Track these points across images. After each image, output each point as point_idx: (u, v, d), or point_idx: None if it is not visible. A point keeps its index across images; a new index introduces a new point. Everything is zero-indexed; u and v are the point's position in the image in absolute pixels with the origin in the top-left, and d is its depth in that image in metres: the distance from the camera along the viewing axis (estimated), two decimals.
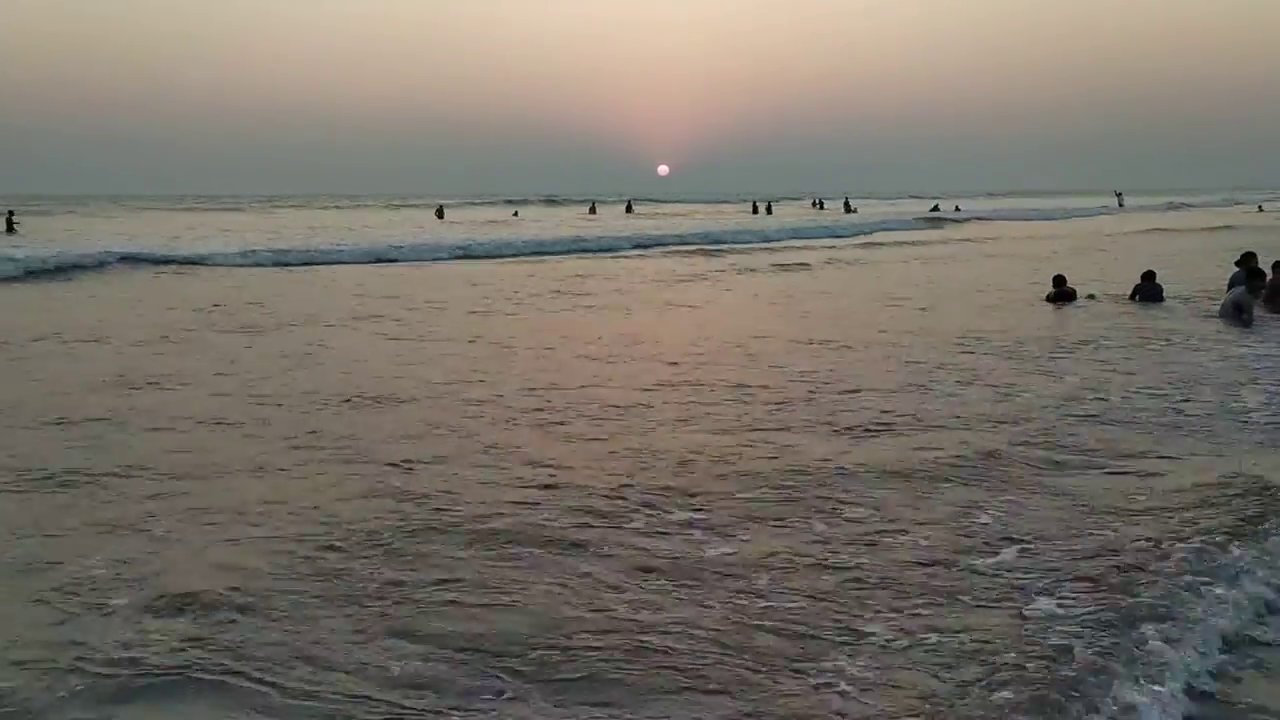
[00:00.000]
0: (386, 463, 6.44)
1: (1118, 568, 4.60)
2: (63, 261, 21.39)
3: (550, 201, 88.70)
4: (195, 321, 13.66)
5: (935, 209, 65.52)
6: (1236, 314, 12.97)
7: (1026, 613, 4.15)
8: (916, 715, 3.40)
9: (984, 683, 3.58)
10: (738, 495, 5.73)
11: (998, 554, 4.81)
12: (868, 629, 4.03)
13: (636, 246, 32.09)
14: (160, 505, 5.63)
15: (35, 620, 4.18)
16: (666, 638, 3.95)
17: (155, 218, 57.03)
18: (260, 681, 3.64)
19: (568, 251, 30.09)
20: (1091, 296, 15.30)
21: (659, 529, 5.20)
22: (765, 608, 4.22)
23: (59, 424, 7.52)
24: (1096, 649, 3.77)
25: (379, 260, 25.98)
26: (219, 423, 7.60)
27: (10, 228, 38.36)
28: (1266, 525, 5.09)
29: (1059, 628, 4.00)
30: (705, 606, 4.24)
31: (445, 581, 4.52)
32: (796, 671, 3.70)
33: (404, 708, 3.48)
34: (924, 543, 4.97)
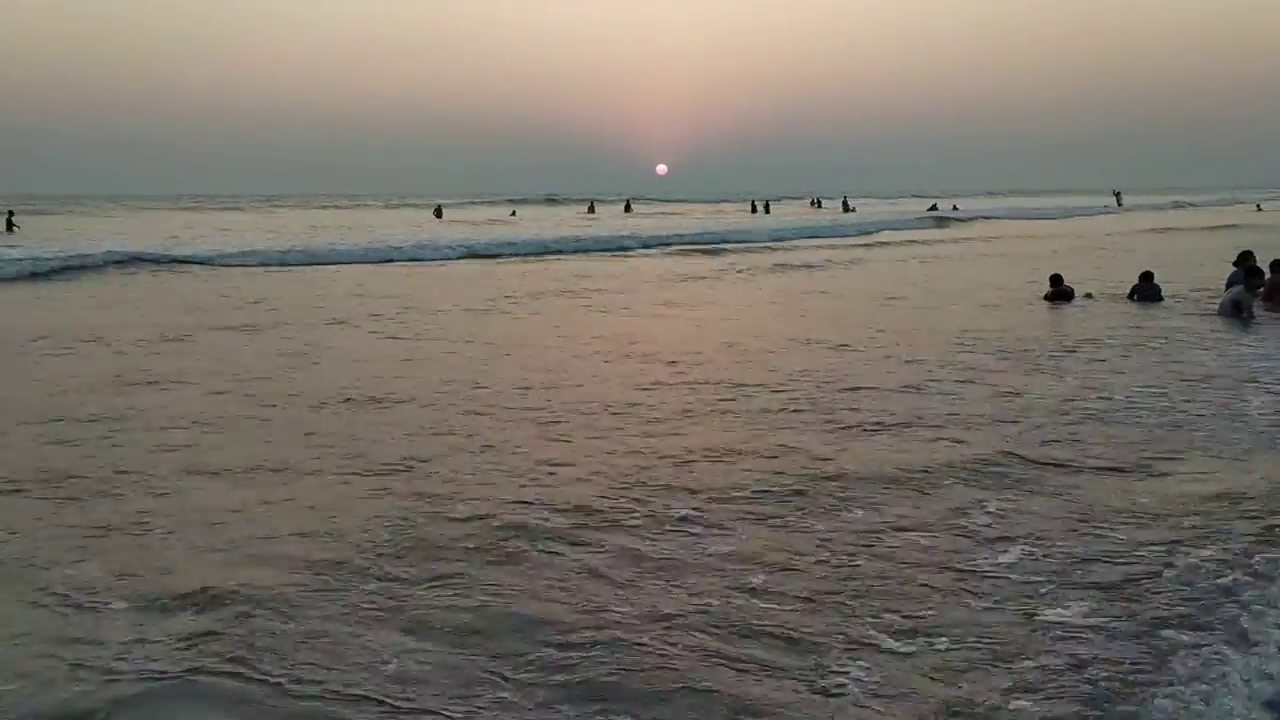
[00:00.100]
0: (384, 463, 6.44)
1: (1127, 572, 4.60)
2: (63, 262, 21.36)
3: (550, 201, 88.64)
4: (195, 322, 13.65)
5: (933, 208, 65.49)
6: (1235, 312, 13.00)
7: (1035, 615, 4.16)
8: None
9: (997, 690, 3.58)
10: (737, 494, 5.74)
11: (1000, 555, 4.81)
12: (870, 631, 4.03)
13: (637, 246, 31.99)
14: (159, 505, 5.63)
15: (35, 622, 4.18)
16: (666, 638, 3.95)
17: (154, 217, 57.00)
18: (263, 683, 3.65)
19: (564, 252, 30.02)
20: (1089, 296, 15.30)
21: (658, 528, 5.19)
22: (765, 608, 4.22)
23: (58, 422, 7.52)
24: (1118, 656, 3.78)
25: (380, 260, 25.93)
26: (215, 423, 7.60)
27: (10, 227, 38.38)
28: None
29: (1069, 633, 4.01)
30: (705, 606, 4.23)
31: (444, 580, 4.52)
32: (800, 674, 3.70)
33: (403, 705, 3.48)
34: (924, 543, 4.97)
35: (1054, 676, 3.63)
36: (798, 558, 4.78)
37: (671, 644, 3.91)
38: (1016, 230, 42.56)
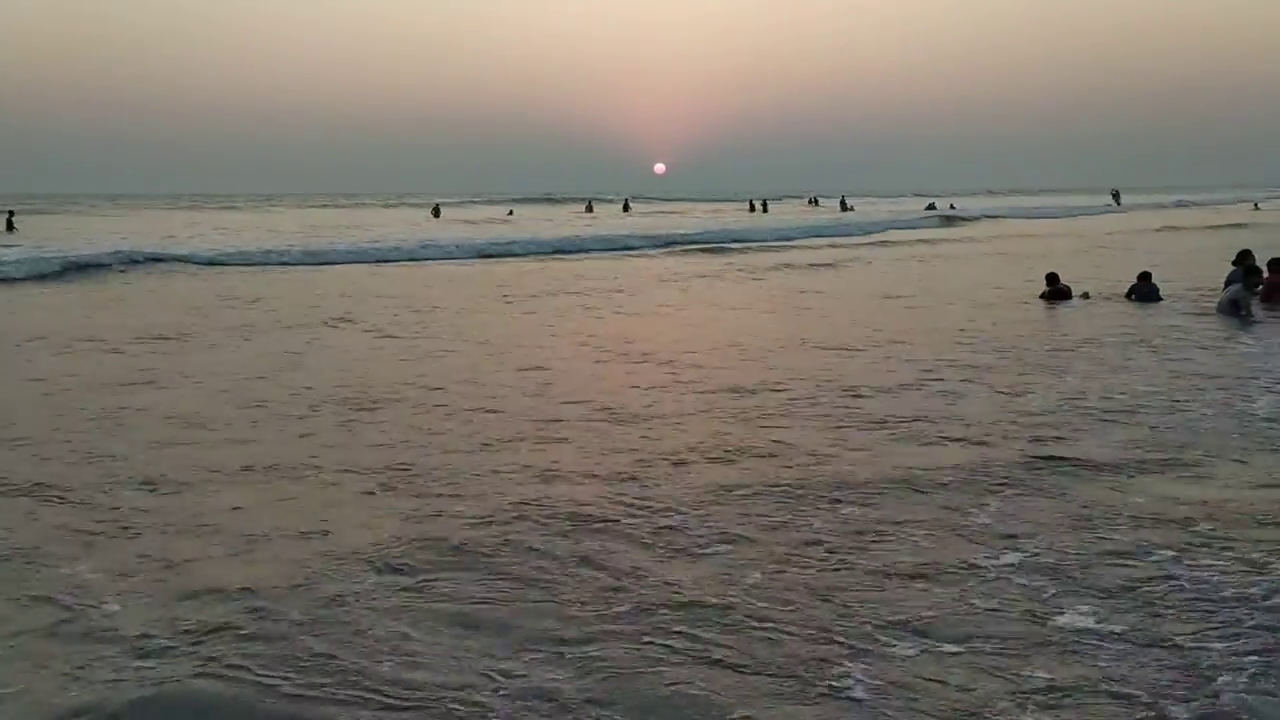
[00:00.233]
0: (383, 464, 6.43)
1: (1131, 575, 4.60)
2: (66, 263, 21.28)
3: (549, 200, 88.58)
4: (193, 322, 13.63)
5: (930, 207, 65.53)
6: (1233, 311, 13.01)
7: (1038, 617, 4.15)
8: None
9: (997, 693, 3.58)
10: (736, 493, 5.73)
11: (1001, 556, 4.80)
12: (871, 633, 4.02)
13: (639, 246, 31.93)
14: (157, 505, 5.62)
15: (32, 624, 4.17)
16: (665, 637, 3.95)
17: (153, 217, 56.93)
18: (259, 685, 3.64)
19: (565, 251, 29.97)
20: (1086, 295, 15.27)
21: (656, 528, 5.18)
22: (764, 608, 4.22)
23: (58, 418, 7.51)
24: (1122, 661, 3.77)
25: (379, 260, 25.89)
26: (212, 423, 7.60)
27: (10, 227, 38.36)
28: None
29: (1071, 637, 4.01)
30: (703, 607, 4.23)
31: (443, 578, 4.52)
32: (799, 676, 3.69)
33: (404, 704, 3.48)
34: (924, 543, 4.96)
35: (1054, 680, 3.62)
36: (796, 557, 4.78)
37: (670, 643, 3.90)
38: (1020, 229, 42.52)
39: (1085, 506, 5.48)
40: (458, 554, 4.85)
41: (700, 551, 4.88)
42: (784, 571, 4.62)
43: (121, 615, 4.21)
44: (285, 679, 3.67)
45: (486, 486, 5.93)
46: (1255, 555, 4.72)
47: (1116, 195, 77.15)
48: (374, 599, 4.34)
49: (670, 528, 5.21)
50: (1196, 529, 5.08)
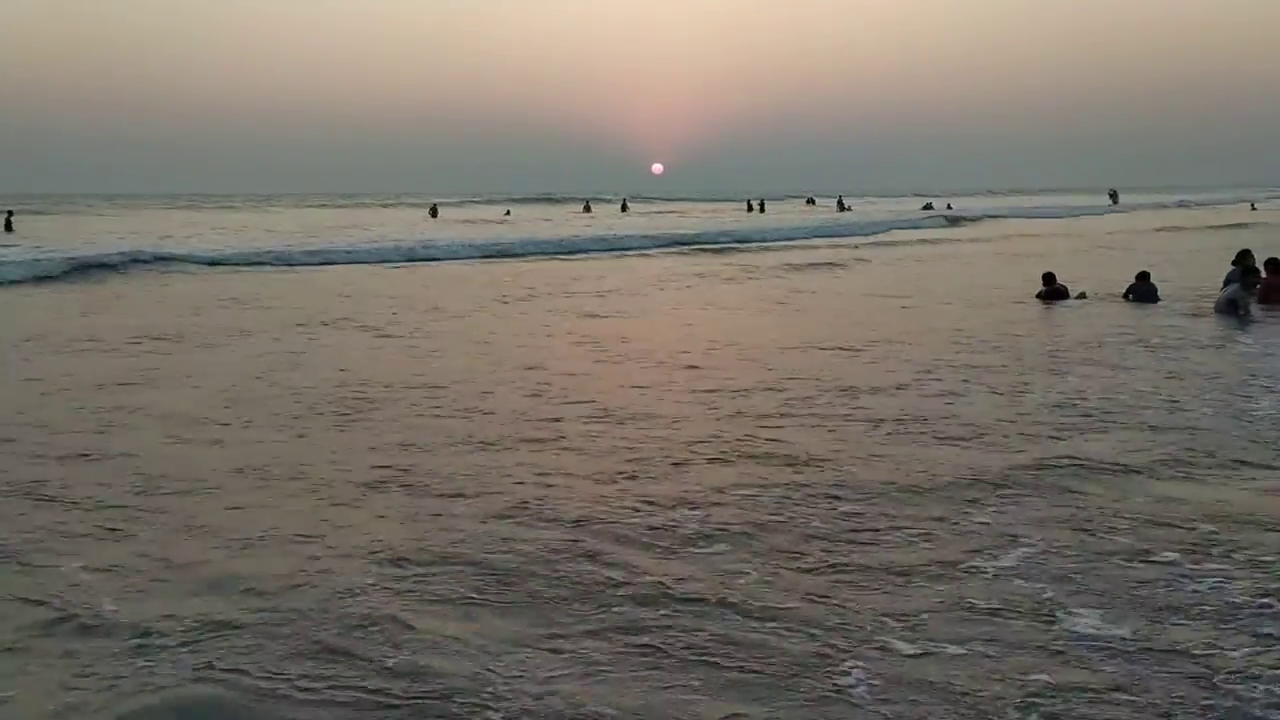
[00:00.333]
0: (380, 463, 6.42)
1: (1133, 577, 4.60)
2: (64, 262, 21.21)
3: (547, 200, 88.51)
4: (192, 323, 13.62)
5: (928, 207, 65.58)
6: (1231, 310, 13.03)
7: (1039, 619, 4.15)
8: None
9: (999, 697, 3.57)
10: (734, 493, 5.72)
11: (1001, 557, 4.79)
12: (871, 633, 4.01)
13: (638, 246, 31.88)
14: (156, 505, 5.61)
15: (29, 625, 4.16)
16: (663, 637, 3.94)
17: (152, 216, 56.90)
18: (259, 687, 3.63)
19: (563, 252, 29.94)
20: (1083, 295, 15.27)
21: (653, 527, 5.17)
22: (763, 607, 4.21)
23: (53, 425, 7.50)
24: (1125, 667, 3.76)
25: (378, 261, 25.85)
26: (208, 423, 7.58)
27: (8, 227, 38.29)
28: None
29: (1073, 640, 4.00)
30: (702, 606, 4.22)
31: (441, 577, 4.51)
32: (798, 675, 3.68)
33: (404, 702, 3.47)
34: (922, 543, 4.96)
35: (1056, 683, 3.61)
36: (795, 556, 4.77)
37: (668, 641, 3.90)
38: (1021, 229, 42.53)
39: (1086, 507, 5.47)
40: (456, 553, 4.83)
41: (698, 551, 4.87)
42: (783, 571, 4.61)
43: (119, 616, 4.19)
44: (285, 680, 3.66)
45: (485, 486, 5.92)
46: (1264, 558, 4.71)
47: (1114, 195, 77.19)
48: (373, 599, 4.33)
49: (668, 527, 5.19)
50: (1199, 531, 5.07)
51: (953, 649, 3.84)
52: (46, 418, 7.73)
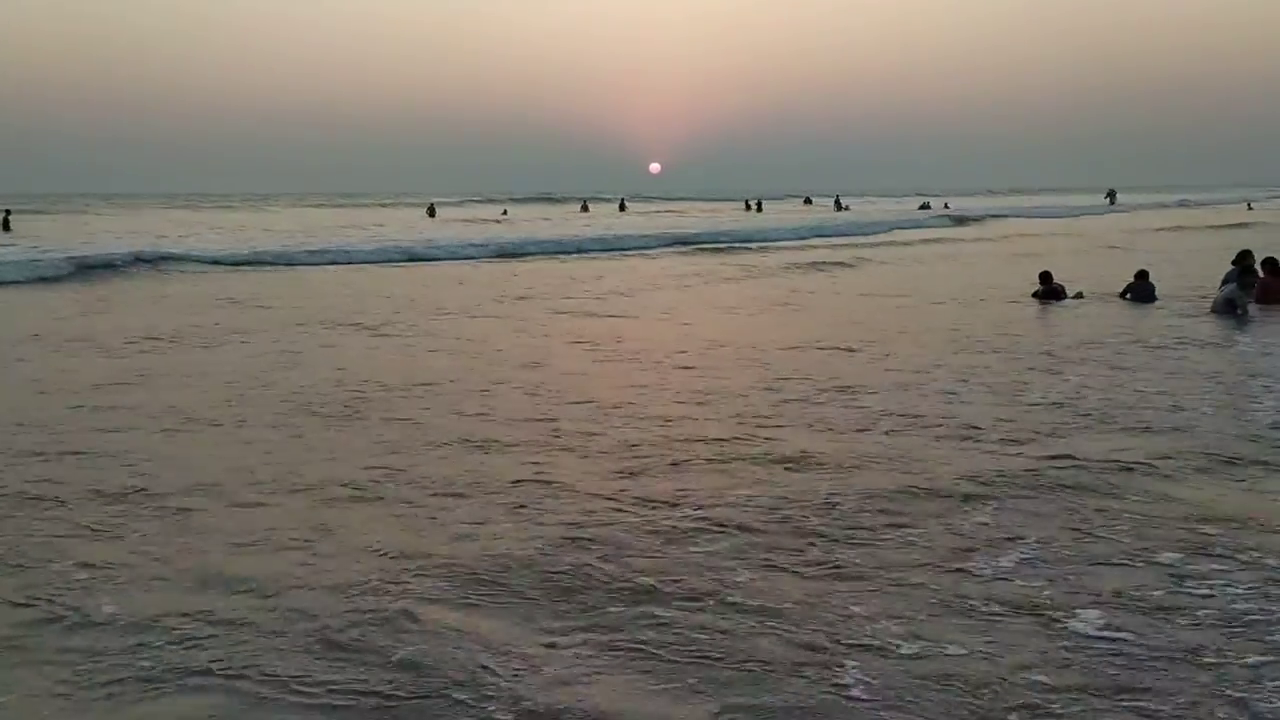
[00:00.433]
0: (377, 463, 6.42)
1: (1134, 578, 4.59)
2: (63, 262, 21.17)
3: (548, 200, 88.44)
4: (190, 323, 13.60)
5: (925, 206, 65.64)
6: (1229, 310, 13.05)
7: (1039, 620, 4.15)
8: None
9: (998, 703, 3.57)
10: (733, 493, 5.72)
11: (1000, 558, 4.79)
12: (870, 632, 4.01)
13: (634, 247, 31.80)
14: (155, 505, 5.61)
15: (26, 625, 4.16)
16: (661, 637, 3.94)
17: (149, 216, 56.81)
18: (258, 688, 3.62)
19: (555, 252, 29.90)
20: (1080, 295, 15.27)
21: (651, 528, 5.17)
22: (762, 606, 4.21)
23: (52, 424, 7.49)
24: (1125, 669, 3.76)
25: (375, 261, 25.82)
26: (207, 423, 7.58)
27: (6, 226, 38.26)
28: None
29: (1080, 640, 4.00)
30: (700, 605, 4.22)
31: (438, 576, 4.50)
32: (797, 674, 3.68)
33: (403, 702, 3.47)
34: (921, 543, 4.95)
35: (1053, 685, 3.61)
36: (793, 556, 4.77)
37: (664, 642, 3.89)
38: (1023, 229, 42.52)
39: (1084, 507, 5.46)
40: (455, 553, 4.83)
41: (696, 550, 4.87)
42: (781, 570, 4.61)
43: (117, 616, 4.19)
44: (285, 678, 3.65)
45: (483, 486, 5.91)
46: (1266, 560, 4.70)
47: (1112, 195, 77.17)
48: (372, 598, 4.32)
49: (666, 526, 5.19)
50: (1200, 532, 5.07)
51: (951, 649, 3.84)
52: (45, 418, 7.72)
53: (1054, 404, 7.98)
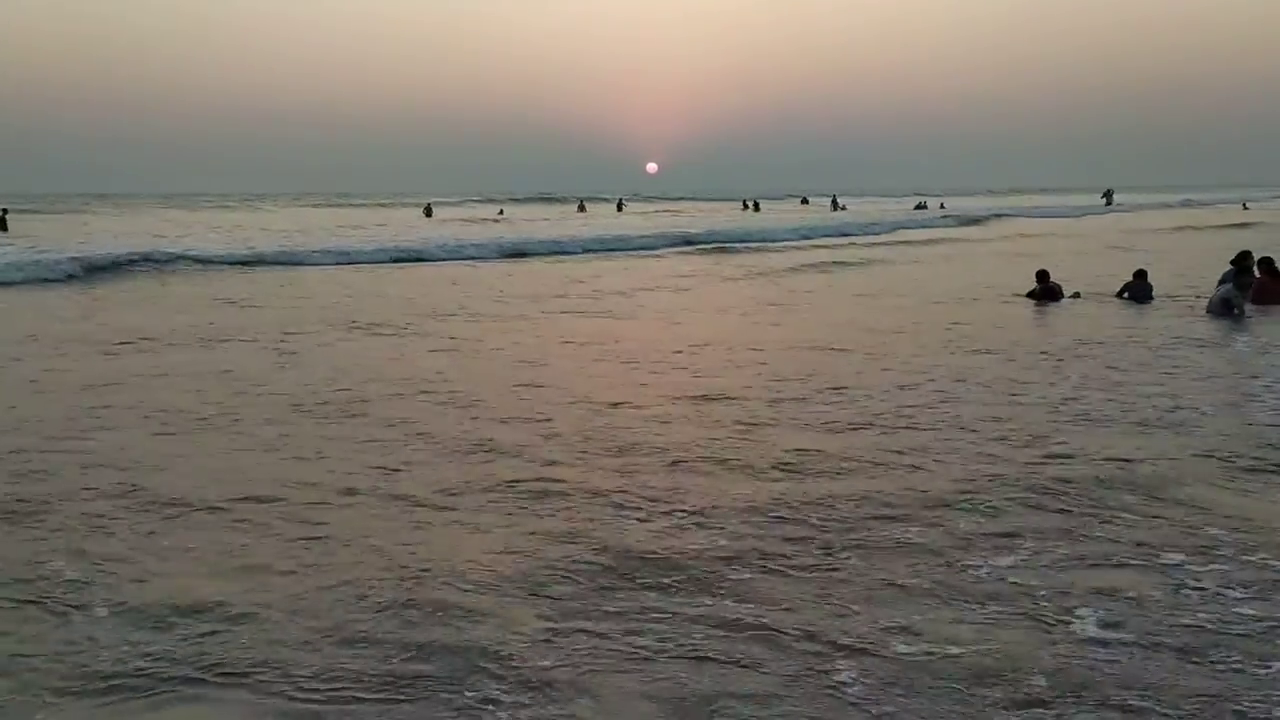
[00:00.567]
0: (375, 464, 6.42)
1: (1133, 579, 4.59)
2: (62, 261, 21.13)
3: (545, 200, 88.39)
4: (189, 323, 13.59)
5: (921, 206, 65.66)
6: (1225, 310, 13.06)
7: (1038, 621, 4.15)
8: None
9: (999, 700, 3.57)
10: (731, 493, 5.72)
11: (999, 558, 4.79)
12: (868, 633, 4.01)
13: (632, 247, 31.74)
14: (149, 505, 5.60)
15: (24, 625, 4.15)
16: (660, 634, 3.94)
17: (147, 216, 56.75)
18: (256, 691, 3.62)
19: (552, 253, 29.84)
20: (1077, 295, 15.25)
21: (650, 528, 5.17)
22: (760, 606, 4.21)
23: (51, 424, 7.48)
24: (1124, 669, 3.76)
25: (380, 261, 25.74)
26: (206, 422, 7.57)
27: (3, 225, 38.20)
28: None
29: (1081, 642, 4.00)
30: (698, 604, 4.22)
31: (438, 574, 4.51)
32: (795, 674, 3.68)
33: (398, 699, 3.47)
34: (919, 540, 4.95)
35: (1052, 686, 3.62)
36: (791, 556, 4.77)
37: (662, 642, 3.89)
38: (1024, 228, 42.50)
39: (1083, 507, 5.47)
40: (453, 552, 4.83)
41: (694, 549, 4.87)
42: (778, 570, 4.61)
43: (116, 616, 4.18)
44: (285, 678, 3.65)
45: (481, 486, 5.91)
46: (1267, 560, 4.70)
47: (1109, 196, 77.17)
48: (371, 597, 4.32)
49: (664, 527, 5.19)
50: (1199, 532, 5.07)
51: (950, 649, 3.84)
52: (43, 417, 7.71)
53: (1051, 404, 7.98)
